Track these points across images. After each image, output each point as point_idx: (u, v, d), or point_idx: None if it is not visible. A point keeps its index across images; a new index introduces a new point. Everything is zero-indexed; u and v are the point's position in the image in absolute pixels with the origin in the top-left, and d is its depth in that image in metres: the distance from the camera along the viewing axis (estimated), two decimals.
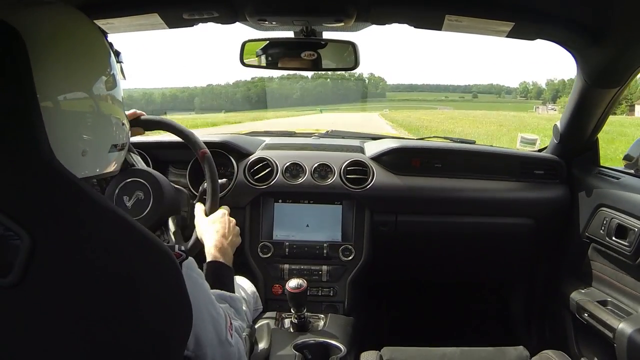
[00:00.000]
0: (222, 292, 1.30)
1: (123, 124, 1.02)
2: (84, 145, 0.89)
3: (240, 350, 1.13)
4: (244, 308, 1.36)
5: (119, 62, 1.05)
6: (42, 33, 0.82)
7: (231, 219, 1.57)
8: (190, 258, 0.97)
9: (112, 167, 1.01)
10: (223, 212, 1.57)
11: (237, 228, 1.58)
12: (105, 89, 0.94)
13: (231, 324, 1.09)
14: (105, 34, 0.99)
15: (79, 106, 0.88)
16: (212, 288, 1.28)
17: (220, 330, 1.02)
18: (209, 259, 1.40)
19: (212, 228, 1.49)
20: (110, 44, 1.00)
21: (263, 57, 1.74)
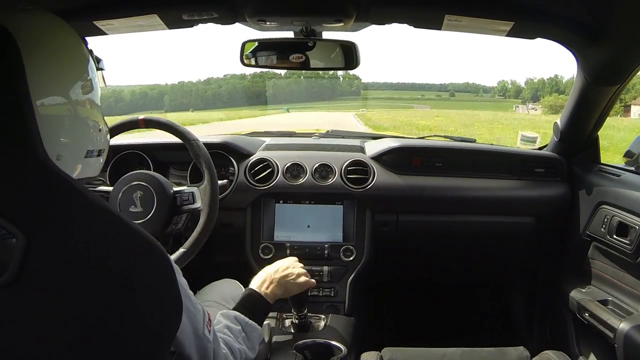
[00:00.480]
0: (241, 315, 1.32)
1: (100, 129, 1.01)
2: (59, 149, 0.88)
3: (217, 352, 1.12)
4: (257, 342, 1.35)
5: (99, 69, 1.04)
6: (29, 37, 0.82)
7: (302, 270, 1.58)
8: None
9: (90, 173, 1.00)
10: (295, 259, 1.62)
11: (303, 279, 1.57)
12: (82, 94, 0.94)
13: (210, 321, 1.08)
14: (85, 40, 0.99)
15: (57, 110, 0.88)
16: (236, 307, 1.36)
17: (197, 325, 1.02)
18: (252, 286, 1.47)
19: (274, 265, 1.55)
20: (91, 51, 1.00)
21: (254, 59, 1.73)
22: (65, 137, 0.90)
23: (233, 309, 1.36)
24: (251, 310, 1.37)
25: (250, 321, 1.32)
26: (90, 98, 0.97)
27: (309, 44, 1.66)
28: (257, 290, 1.45)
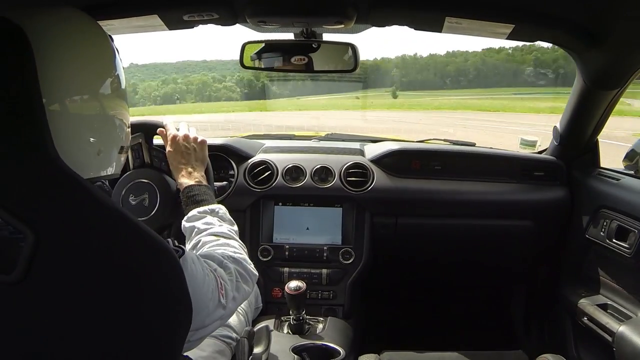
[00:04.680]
0: (200, 209, 1.32)
1: (128, 126, 1.03)
2: (94, 145, 0.90)
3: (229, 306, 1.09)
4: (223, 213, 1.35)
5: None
6: (50, 35, 0.82)
7: (188, 135, 1.49)
8: (186, 251, 0.97)
9: (115, 169, 1.01)
10: (175, 135, 1.48)
11: (199, 144, 1.50)
12: (111, 91, 0.94)
13: (221, 286, 1.05)
14: (110, 37, 0.99)
15: (87, 108, 0.89)
16: (190, 208, 1.33)
17: (215, 301, 1.02)
18: (181, 188, 1.41)
19: (175, 161, 1.45)
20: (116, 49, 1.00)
21: (257, 62, 1.73)
22: (96, 136, 0.91)
23: (189, 211, 1.33)
24: (199, 199, 1.35)
25: (210, 206, 1.34)
26: (118, 95, 0.97)
27: (313, 45, 1.67)
28: (188, 185, 1.39)
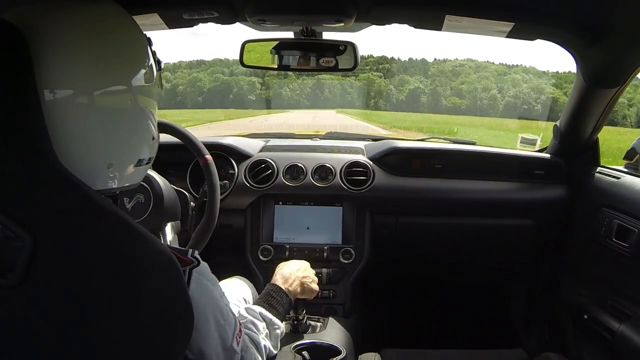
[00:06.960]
0: (265, 311, 1.36)
1: (154, 137, 0.98)
2: (104, 157, 0.87)
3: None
4: (279, 339, 1.40)
5: (158, 70, 0.99)
6: (60, 30, 0.80)
7: (315, 277, 1.69)
8: (203, 263, 0.94)
9: (131, 181, 0.98)
10: (308, 264, 1.71)
11: (315, 285, 1.67)
12: (141, 92, 0.91)
13: (240, 331, 1.06)
14: (150, 40, 0.95)
15: (117, 102, 0.86)
16: (261, 301, 1.42)
17: (226, 337, 1.00)
18: (276, 282, 1.54)
19: (295, 263, 1.66)
20: (154, 53, 0.96)
21: (276, 57, 1.72)
22: (107, 144, 0.87)
23: (256, 304, 1.41)
24: (274, 306, 1.42)
25: (274, 318, 1.37)
26: (147, 98, 0.93)
27: (340, 47, 1.67)
28: (281, 287, 1.51)
